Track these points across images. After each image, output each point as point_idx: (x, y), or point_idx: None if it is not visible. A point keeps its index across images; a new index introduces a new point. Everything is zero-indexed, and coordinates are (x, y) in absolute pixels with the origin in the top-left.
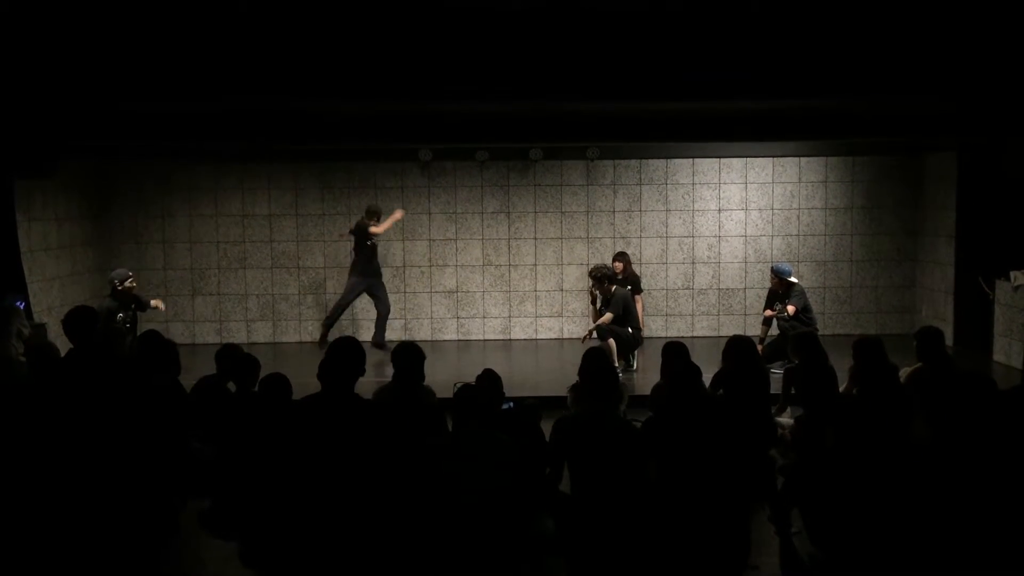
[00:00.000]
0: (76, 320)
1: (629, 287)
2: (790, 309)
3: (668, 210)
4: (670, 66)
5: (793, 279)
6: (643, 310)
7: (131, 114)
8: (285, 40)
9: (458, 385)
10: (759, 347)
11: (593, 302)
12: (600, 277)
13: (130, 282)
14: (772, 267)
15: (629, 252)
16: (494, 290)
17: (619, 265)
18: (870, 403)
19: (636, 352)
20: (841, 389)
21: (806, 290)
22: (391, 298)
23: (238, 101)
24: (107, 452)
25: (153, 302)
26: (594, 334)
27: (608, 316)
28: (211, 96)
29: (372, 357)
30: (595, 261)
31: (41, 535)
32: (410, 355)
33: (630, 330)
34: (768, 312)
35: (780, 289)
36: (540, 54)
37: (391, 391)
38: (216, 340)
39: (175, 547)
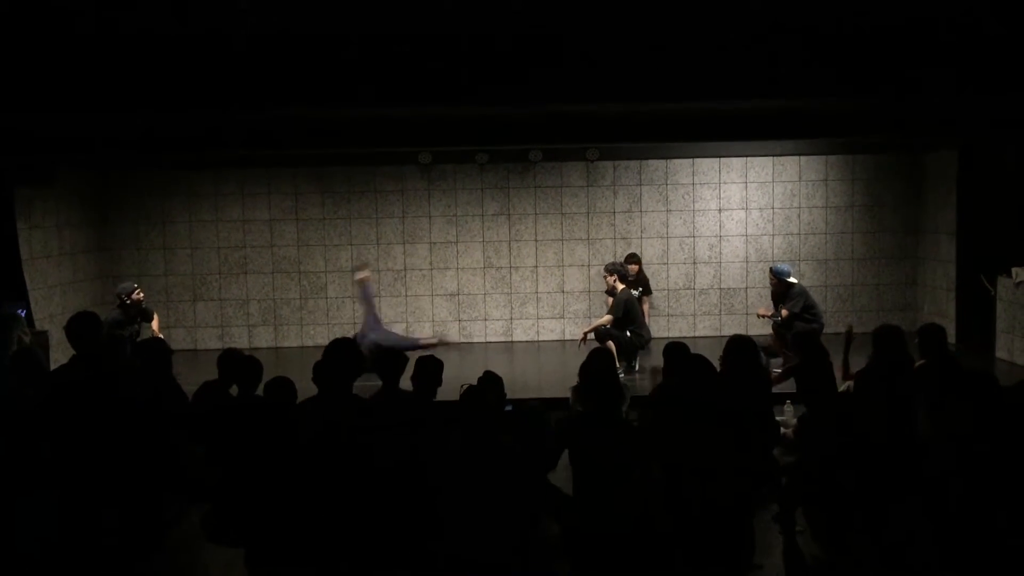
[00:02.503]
0: (78, 326)
1: (640, 288)
2: (783, 313)
3: (668, 210)
4: (668, 66)
5: (792, 279)
6: (651, 311)
7: (130, 126)
8: (278, 47)
9: (464, 387)
10: (775, 342)
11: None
12: (612, 270)
13: (136, 294)
14: (771, 268)
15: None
16: (495, 292)
17: (634, 267)
18: (870, 400)
19: (639, 354)
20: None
21: (808, 289)
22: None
23: (237, 110)
24: (91, 459)
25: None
26: (590, 336)
27: (607, 318)
28: (209, 106)
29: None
30: (596, 262)
31: (27, 544)
32: (393, 363)
33: (628, 334)
34: (761, 311)
35: (780, 290)
36: (534, 56)
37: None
38: (217, 345)
39: (176, 552)
